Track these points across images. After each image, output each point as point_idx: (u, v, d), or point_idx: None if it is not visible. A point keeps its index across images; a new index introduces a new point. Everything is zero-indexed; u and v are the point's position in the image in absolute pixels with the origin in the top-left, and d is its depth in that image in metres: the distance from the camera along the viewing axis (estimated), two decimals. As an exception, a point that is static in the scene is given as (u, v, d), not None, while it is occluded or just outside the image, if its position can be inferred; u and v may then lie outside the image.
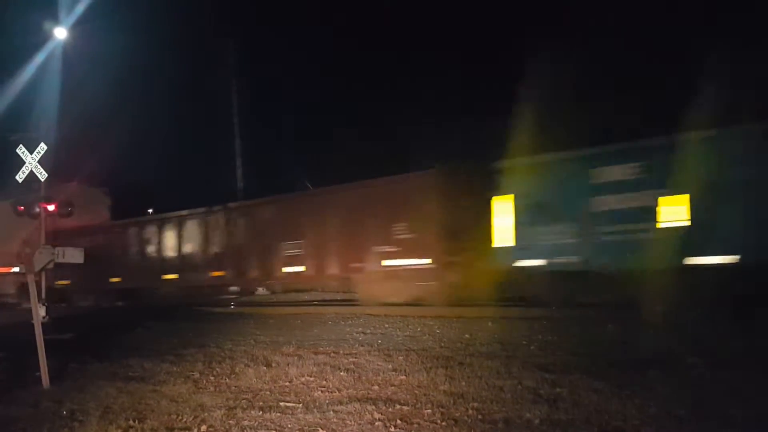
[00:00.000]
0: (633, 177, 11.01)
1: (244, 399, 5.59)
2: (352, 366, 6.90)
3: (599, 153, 11.64)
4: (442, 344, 8.25)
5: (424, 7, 30.27)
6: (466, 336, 8.89)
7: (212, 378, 6.62)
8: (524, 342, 8.09)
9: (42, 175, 14.90)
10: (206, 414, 5.09)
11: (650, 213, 10.78)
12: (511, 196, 12.47)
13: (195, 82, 31.69)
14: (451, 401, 5.14)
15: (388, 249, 14.25)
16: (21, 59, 21.39)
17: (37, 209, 15.09)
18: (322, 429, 4.59)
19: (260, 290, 19.73)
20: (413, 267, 13.75)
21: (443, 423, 4.57)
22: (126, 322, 13.53)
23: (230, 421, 4.85)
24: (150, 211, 25.70)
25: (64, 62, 18.91)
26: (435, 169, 13.80)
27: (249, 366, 7.16)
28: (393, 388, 5.77)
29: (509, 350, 7.49)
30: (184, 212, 19.49)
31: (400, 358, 7.30)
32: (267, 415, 4.99)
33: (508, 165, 12.59)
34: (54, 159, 15.50)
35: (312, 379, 6.34)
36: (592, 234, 11.39)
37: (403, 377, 6.20)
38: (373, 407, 5.05)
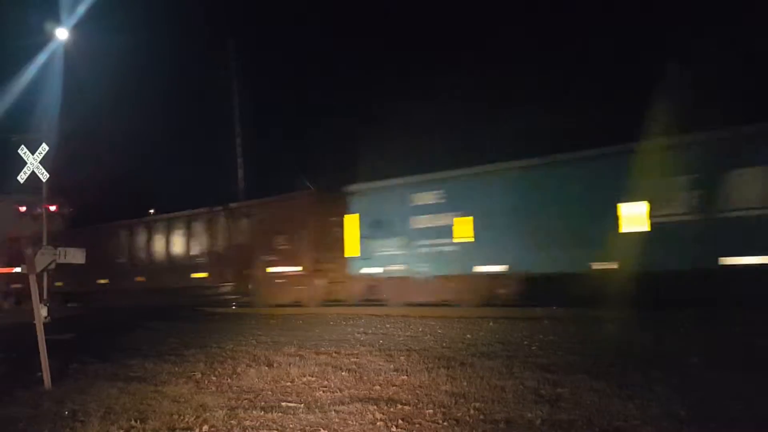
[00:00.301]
0: (438, 201, 13.79)
1: (245, 399, 5.59)
2: (353, 366, 6.91)
3: (416, 181, 14.38)
4: (444, 344, 8.25)
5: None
6: (468, 336, 8.90)
7: (214, 378, 6.63)
8: (525, 342, 8.10)
9: (43, 175, 14.92)
10: (208, 414, 5.09)
11: (449, 230, 13.50)
12: (357, 215, 15.05)
13: (196, 82, 31.77)
14: (453, 401, 5.14)
15: (271, 258, 16.71)
16: (22, 60, 21.44)
17: (39, 210, 15.13)
18: (324, 429, 4.59)
19: None
20: (289, 273, 16.22)
21: (445, 423, 4.58)
22: (127, 323, 13.55)
23: (232, 422, 4.86)
24: (151, 211, 25.72)
25: (66, 63, 18.92)
26: (305, 192, 16.64)
27: (251, 366, 7.17)
28: (394, 388, 5.77)
29: (510, 350, 7.49)
30: (134, 220, 22.05)
31: (402, 358, 7.30)
32: (269, 415, 4.99)
33: (356, 189, 15.41)
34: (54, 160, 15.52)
35: (314, 379, 6.34)
36: (412, 246, 14.08)
37: (405, 377, 6.20)
38: (375, 407, 5.06)
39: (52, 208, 16.45)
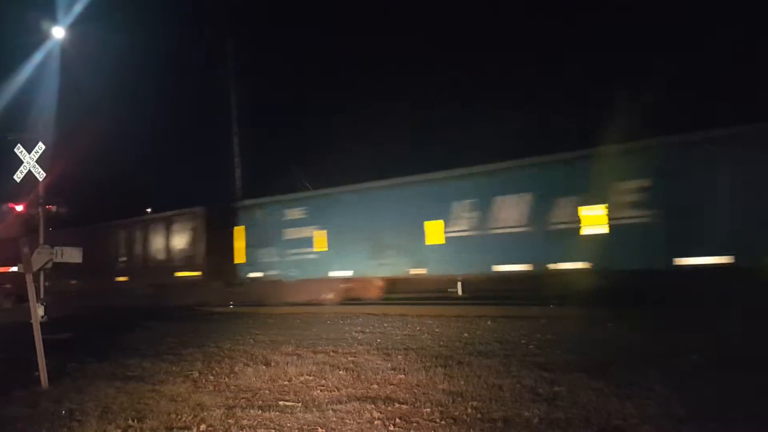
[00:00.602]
0: (302, 217, 16.16)
1: (243, 398, 5.59)
2: (351, 365, 6.91)
3: (286, 200, 16.89)
4: (441, 343, 8.25)
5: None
6: (465, 335, 8.90)
7: (211, 377, 6.63)
8: (523, 341, 8.10)
9: (40, 174, 14.88)
10: (205, 413, 5.09)
11: (311, 242, 15.82)
12: (243, 228, 17.51)
13: (193, 81, 31.71)
14: (450, 400, 5.14)
15: (177, 264, 19.00)
16: (19, 59, 21.38)
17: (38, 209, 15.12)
18: (322, 428, 4.59)
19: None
20: (191, 277, 18.37)
21: (442, 422, 4.58)
22: (124, 322, 13.53)
23: (229, 420, 4.86)
24: (148, 210, 25.72)
25: (62, 62, 18.86)
26: (203, 207, 18.76)
27: (248, 365, 7.17)
28: (392, 386, 5.77)
29: (508, 349, 7.50)
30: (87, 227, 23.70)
31: (399, 357, 7.30)
32: (266, 414, 4.99)
33: (242, 205, 18.19)
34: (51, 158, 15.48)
35: (311, 378, 6.34)
36: (285, 255, 16.35)
37: (402, 376, 6.21)
38: (372, 406, 5.06)
39: (49, 207, 16.39)
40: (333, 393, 5.64)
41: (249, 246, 17.18)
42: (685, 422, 4.29)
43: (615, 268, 11.11)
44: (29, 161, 14.72)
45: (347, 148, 24.31)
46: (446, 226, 13.46)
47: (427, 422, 4.59)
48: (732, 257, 9.81)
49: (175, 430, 4.75)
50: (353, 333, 9.80)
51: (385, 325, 10.70)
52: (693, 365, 6.00)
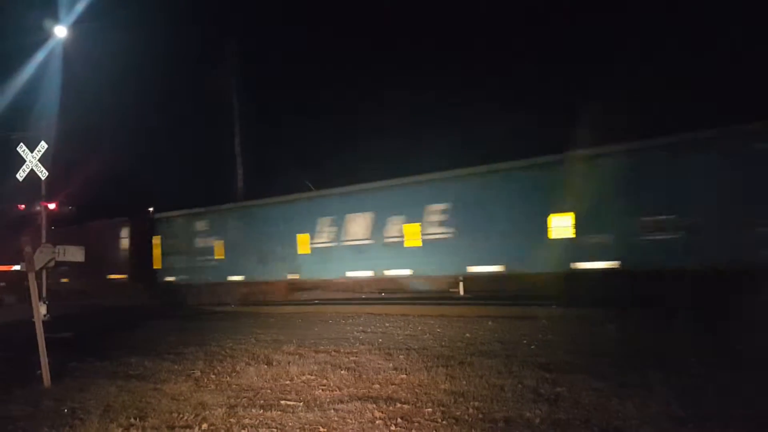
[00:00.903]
0: (206, 229, 18.45)
1: (245, 397, 5.60)
2: (352, 365, 6.92)
3: (195, 212, 18.94)
4: (443, 343, 8.26)
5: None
6: (467, 335, 8.90)
7: (213, 376, 6.64)
8: (524, 341, 8.10)
9: (42, 173, 14.90)
10: (207, 412, 5.10)
11: (213, 250, 18.12)
12: (160, 237, 19.63)
13: (195, 80, 31.72)
14: (452, 400, 5.15)
15: (108, 267, 21.31)
16: (21, 58, 21.41)
17: (38, 207, 15.14)
18: (323, 427, 4.60)
19: None
20: (119, 279, 21.01)
21: (444, 422, 4.58)
22: (126, 321, 13.56)
23: (231, 420, 4.87)
24: (150, 209, 25.73)
25: (65, 61, 18.90)
26: (128, 217, 21.41)
27: (250, 364, 7.18)
28: (393, 386, 5.78)
29: (509, 349, 7.50)
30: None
31: (401, 356, 7.31)
32: (268, 414, 5.00)
33: (158, 217, 20.18)
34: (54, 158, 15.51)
35: (313, 377, 6.35)
36: (194, 261, 18.57)
37: (404, 376, 6.21)
38: (374, 406, 5.06)
39: (51, 206, 16.44)
40: (335, 392, 5.65)
41: (164, 253, 19.56)
42: (686, 423, 4.29)
43: (428, 274, 13.99)
44: (32, 160, 14.74)
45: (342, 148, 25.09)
46: (312, 238, 15.85)
47: (429, 422, 4.59)
48: (503, 266, 12.65)
49: (176, 428, 4.76)
50: (355, 333, 9.81)
51: (387, 324, 10.70)
52: (693, 365, 6.00)
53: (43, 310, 13.05)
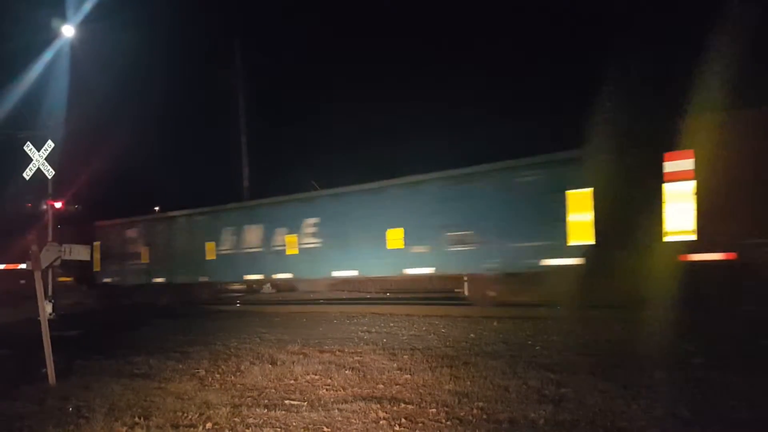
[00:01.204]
0: (137, 236, 20.21)
1: (249, 397, 5.60)
2: (357, 365, 6.91)
3: (128, 221, 20.74)
4: (447, 343, 8.25)
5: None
6: (471, 335, 8.89)
7: (218, 376, 6.65)
8: (529, 342, 8.08)
9: (49, 172, 14.98)
10: (212, 411, 5.11)
11: (140, 255, 19.88)
12: (99, 242, 21.15)
13: (201, 81, 31.82)
14: (456, 400, 5.14)
15: (58, 270, 20.90)
16: (29, 57, 21.49)
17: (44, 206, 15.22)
18: (327, 427, 4.59)
19: (266, 288, 20.12)
20: (67, 281, 22.00)
21: (448, 422, 4.57)
22: (131, 320, 13.61)
23: (235, 419, 4.87)
24: (156, 209, 25.87)
25: (72, 60, 18.96)
26: (75, 225, 22.26)
27: (254, 364, 7.18)
28: (398, 387, 5.77)
29: (514, 350, 7.48)
30: None
31: (405, 357, 7.30)
32: (272, 413, 5.00)
33: (100, 225, 21.53)
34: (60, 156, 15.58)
35: (317, 377, 6.35)
36: (125, 265, 20.36)
37: (408, 376, 6.20)
38: (378, 406, 5.06)
39: (58, 204, 16.52)
40: (339, 392, 5.64)
41: (102, 257, 21.19)
42: (691, 424, 4.27)
43: (304, 277, 16.38)
44: (38, 159, 14.81)
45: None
46: (217, 246, 18.02)
47: (433, 422, 4.58)
48: (357, 271, 15.07)
49: (181, 427, 4.77)
50: (359, 333, 9.81)
51: (391, 324, 10.70)
52: (698, 367, 5.97)
53: (48, 308, 13.11)
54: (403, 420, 4.66)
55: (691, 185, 10.71)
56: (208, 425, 4.76)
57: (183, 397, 5.68)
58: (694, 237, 10.67)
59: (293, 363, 7.13)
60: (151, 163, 33.59)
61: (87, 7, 19.06)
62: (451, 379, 5.97)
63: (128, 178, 33.10)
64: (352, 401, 5.26)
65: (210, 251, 18.28)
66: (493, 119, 22.55)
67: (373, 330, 10.08)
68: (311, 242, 16.00)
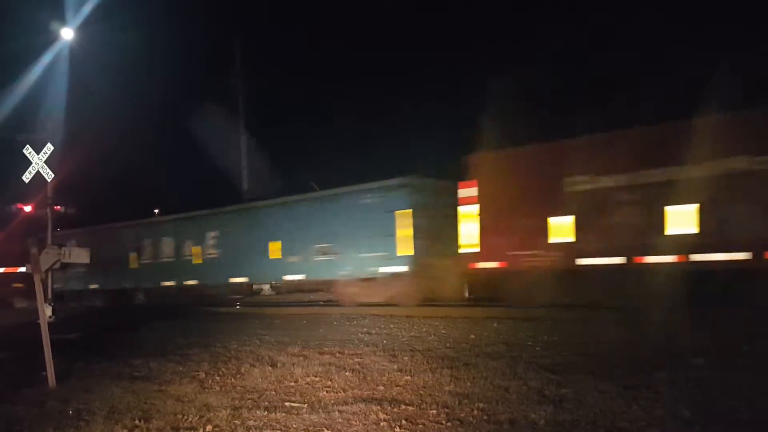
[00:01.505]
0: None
1: (249, 399, 5.60)
2: (357, 366, 6.90)
3: (81, 232, 22.77)
4: (448, 345, 8.24)
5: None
6: (472, 336, 8.88)
7: (218, 378, 6.64)
8: (529, 342, 8.08)
9: (48, 175, 14.96)
10: (212, 414, 5.10)
11: (85, 266, 19.04)
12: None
13: (201, 82, 31.87)
14: (457, 402, 5.13)
15: (16, 276, 23.22)
16: (28, 60, 21.48)
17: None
18: (327, 429, 4.59)
19: (265, 290, 20.16)
20: (21, 286, 23.15)
21: (448, 423, 4.57)
22: (131, 323, 13.60)
23: (236, 421, 4.86)
24: (156, 211, 25.87)
25: (71, 63, 18.94)
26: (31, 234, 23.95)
27: (254, 366, 7.18)
28: (398, 388, 5.77)
29: (514, 351, 7.48)
30: None
31: (405, 358, 7.29)
32: (272, 415, 4.99)
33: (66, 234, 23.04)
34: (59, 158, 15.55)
35: (317, 379, 6.34)
36: (67, 272, 20.39)
37: (408, 378, 6.20)
38: (378, 407, 5.05)
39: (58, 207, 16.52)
40: (339, 394, 5.64)
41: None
42: (692, 424, 4.26)
43: (207, 283, 19.24)
44: (38, 162, 14.79)
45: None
46: (139, 256, 20.91)
47: (433, 424, 4.58)
48: (248, 278, 18.05)
49: (181, 430, 4.76)
50: (359, 334, 9.80)
51: (392, 326, 10.70)
52: (699, 367, 5.97)
53: (48, 311, 13.09)
54: (403, 421, 4.66)
55: (476, 208, 13.54)
56: (209, 428, 4.76)
57: (183, 400, 5.67)
58: (478, 249, 13.41)
59: (293, 365, 7.13)
60: (150, 165, 33.61)
61: (86, 9, 19.06)
62: (451, 380, 5.97)
63: (126, 180, 33.14)
64: (352, 403, 5.25)
65: (133, 261, 21.19)
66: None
67: (374, 331, 10.08)
68: (212, 253, 18.79)
